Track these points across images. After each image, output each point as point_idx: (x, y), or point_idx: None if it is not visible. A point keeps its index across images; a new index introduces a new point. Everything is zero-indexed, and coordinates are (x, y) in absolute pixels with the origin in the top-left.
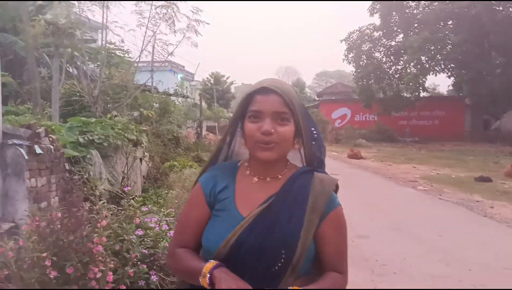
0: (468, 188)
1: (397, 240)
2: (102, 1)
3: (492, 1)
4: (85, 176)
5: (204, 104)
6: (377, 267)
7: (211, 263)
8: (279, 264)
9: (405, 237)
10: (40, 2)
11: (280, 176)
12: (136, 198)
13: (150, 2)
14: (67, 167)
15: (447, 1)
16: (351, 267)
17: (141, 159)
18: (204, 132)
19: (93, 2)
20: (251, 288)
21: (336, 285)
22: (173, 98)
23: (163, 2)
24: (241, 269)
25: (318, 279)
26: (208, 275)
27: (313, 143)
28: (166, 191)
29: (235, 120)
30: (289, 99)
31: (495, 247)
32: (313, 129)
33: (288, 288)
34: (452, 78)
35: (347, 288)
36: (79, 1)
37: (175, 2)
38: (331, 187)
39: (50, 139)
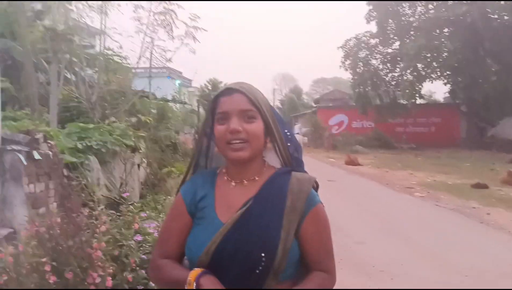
0: (465, 195)
1: (394, 246)
2: (102, 0)
3: (488, 10)
4: (83, 182)
5: (202, 110)
6: (374, 273)
7: (196, 270)
8: (260, 268)
9: (402, 244)
10: (38, 7)
11: (257, 178)
12: (134, 204)
13: (149, 8)
14: (65, 173)
15: (443, 10)
16: (347, 272)
17: (139, 165)
18: None
19: (92, 2)
20: None
21: (323, 285)
22: (171, 104)
23: (161, 8)
24: (223, 275)
25: (304, 280)
26: (195, 284)
27: (289, 144)
28: (164, 197)
29: (207, 126)
30: (254, 97)
31: (491, 254)
32: (286, 131)
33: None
34: (448, 85)
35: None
36: (77, 0)
37: (173, 8)
38: (309, 186)
39: (49, 144)
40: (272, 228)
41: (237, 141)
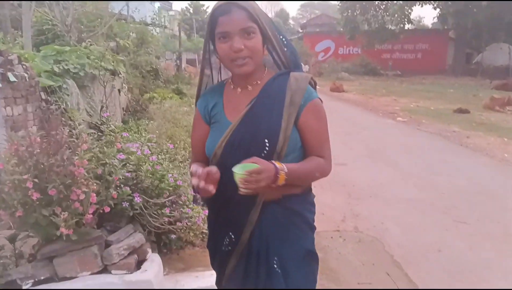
0: (446, 120)
1: (374, 167)
2: None
3: None
4: (62, 106)
5: (183, 35)
6: (354, 192)
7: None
8: (265, 151)
9: (382, 165)
10: None
11: (259, 82)
12: (116, 124)
13: None
14: (43, 96)
15: None
16: (329, 191)
17: (119, 91)
18: (183, 64)
19: None
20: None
21: (319, 166)
22: (150, 28)
23: None
24: (234, 162)
25: (303, 161)
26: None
27: (285, 50)
28: (147, 122)
29: (207, 41)
30: (254, 11)
31: (468, 174)
32: (281, 37)
33: (272, 161)
34: (438, 10)
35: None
36: None
37: None
38: (305, 83)
39: (24, 66)
40: (273, 119)
41: (241, 58)
